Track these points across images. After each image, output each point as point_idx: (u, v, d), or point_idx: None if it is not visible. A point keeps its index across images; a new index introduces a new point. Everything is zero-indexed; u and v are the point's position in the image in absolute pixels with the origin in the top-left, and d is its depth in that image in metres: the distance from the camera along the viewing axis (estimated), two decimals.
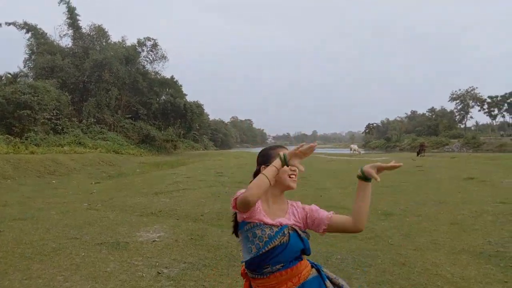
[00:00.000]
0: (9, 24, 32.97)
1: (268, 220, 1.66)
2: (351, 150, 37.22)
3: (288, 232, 1.65)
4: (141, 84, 38.55)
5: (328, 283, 1.69)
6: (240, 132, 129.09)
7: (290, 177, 1.73)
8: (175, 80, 42.81)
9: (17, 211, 7.37)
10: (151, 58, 40.83)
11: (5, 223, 6.13)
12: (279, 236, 1.63)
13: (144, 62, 40.85)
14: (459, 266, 4.01)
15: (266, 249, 1.62)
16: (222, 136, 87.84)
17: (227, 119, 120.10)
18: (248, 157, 25.74)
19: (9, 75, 30.93)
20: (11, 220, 6.38)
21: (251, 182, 1.62)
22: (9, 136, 21.42)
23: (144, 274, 3.74)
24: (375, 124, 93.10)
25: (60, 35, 36.62)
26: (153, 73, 41.54)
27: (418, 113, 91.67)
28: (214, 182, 11.75)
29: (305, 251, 1.70)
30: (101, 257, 4.21)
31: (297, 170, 1.69)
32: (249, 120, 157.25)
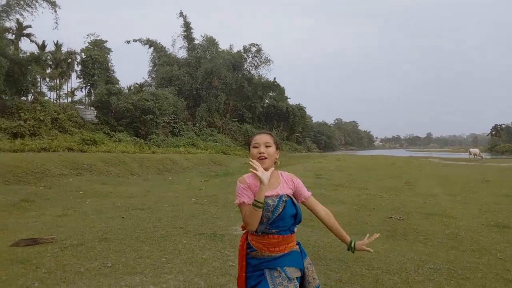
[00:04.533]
0: (136, 41, 38.33)
1: (268, 193, 1.91)
2: (470, 154, 33.21)
3: (285, 200, 1.93)
4: (247, 89, 40.59)
5: (306, 261, 2.04)
6: (345, 134, 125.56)
7: (259, 159, 1.96)
8: (277, 83, 43.91)
9: (138, 202, 8.56)
10: (256, 63, 42.70)
11: (128, 211, 7.21)
12: (280, 204, 1.91)
13: (249, 68, 42.96)
14: None
15: (275, 217, 1.90)
16: (325, 138, 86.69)
17: (330, 121, 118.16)
18: (350, 160, 25.02)
19: (136, 85, 35.74)
20: (133, 209, 7.46)
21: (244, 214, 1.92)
22: (136, 138, 24.76)
23: (234, 264, 4.06)
24: (503, 125, 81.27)
25: (177, 48, 40.92)
26: (257, 77, 43.32)
27: None
28: (311, 184, 11.81)
29: (297, 215, 1.97)
30: (199, 246, 4.69)
31: (265, 153, 1.97)
32: (354, 122, 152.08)
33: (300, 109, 47.60)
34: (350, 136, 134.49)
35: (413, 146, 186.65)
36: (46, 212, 7.31)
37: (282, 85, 45.83)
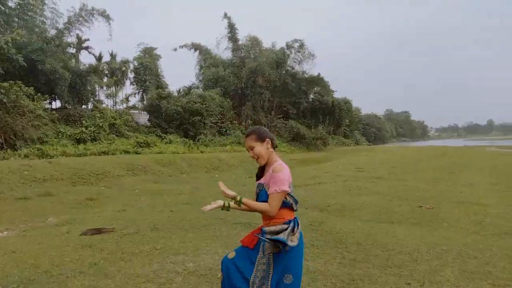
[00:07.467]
0: (182, 47, 40.12)
1: (261, 180, 2.38)
2: None
3: (262, 188, 2.33)
4: (290, 85, 40.86)
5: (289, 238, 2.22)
6: (396, 126, 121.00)
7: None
8: (321, 77, 43.66)
9: (186, 198, 9.43)
10: (299, 59, 42.70)
11: (177, 206, 8.06)
12: (256, 189, 2.39)
13: (292, 64, 43.09)
14: None
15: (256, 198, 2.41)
16: (375, 130, 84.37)
17: (380, 113, 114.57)
18: (398, 152, 24.54)
19: (185, 87, 37.47)
20: (181, 204, 8.31)
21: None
22: (185, 139, 26.15)
23: None
24: None
25: (221, 50, 42.07)
26: (301, 73, 43.36)
27: None
28: (351, 177, 12.06)
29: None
30: (235, 233, 5.33)
31: (254, 155, 2.33)
32: (406, 112, 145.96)
33: (346, 102, 46.97)
34: (402, 127, 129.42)
35: (473, 135, 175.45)
36: (108, 208, 8.37)
37: (327, 79, 45.41)
